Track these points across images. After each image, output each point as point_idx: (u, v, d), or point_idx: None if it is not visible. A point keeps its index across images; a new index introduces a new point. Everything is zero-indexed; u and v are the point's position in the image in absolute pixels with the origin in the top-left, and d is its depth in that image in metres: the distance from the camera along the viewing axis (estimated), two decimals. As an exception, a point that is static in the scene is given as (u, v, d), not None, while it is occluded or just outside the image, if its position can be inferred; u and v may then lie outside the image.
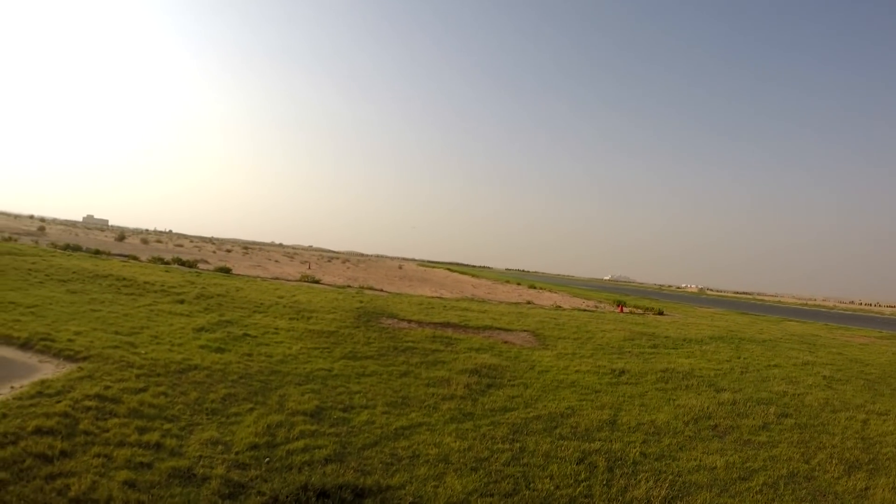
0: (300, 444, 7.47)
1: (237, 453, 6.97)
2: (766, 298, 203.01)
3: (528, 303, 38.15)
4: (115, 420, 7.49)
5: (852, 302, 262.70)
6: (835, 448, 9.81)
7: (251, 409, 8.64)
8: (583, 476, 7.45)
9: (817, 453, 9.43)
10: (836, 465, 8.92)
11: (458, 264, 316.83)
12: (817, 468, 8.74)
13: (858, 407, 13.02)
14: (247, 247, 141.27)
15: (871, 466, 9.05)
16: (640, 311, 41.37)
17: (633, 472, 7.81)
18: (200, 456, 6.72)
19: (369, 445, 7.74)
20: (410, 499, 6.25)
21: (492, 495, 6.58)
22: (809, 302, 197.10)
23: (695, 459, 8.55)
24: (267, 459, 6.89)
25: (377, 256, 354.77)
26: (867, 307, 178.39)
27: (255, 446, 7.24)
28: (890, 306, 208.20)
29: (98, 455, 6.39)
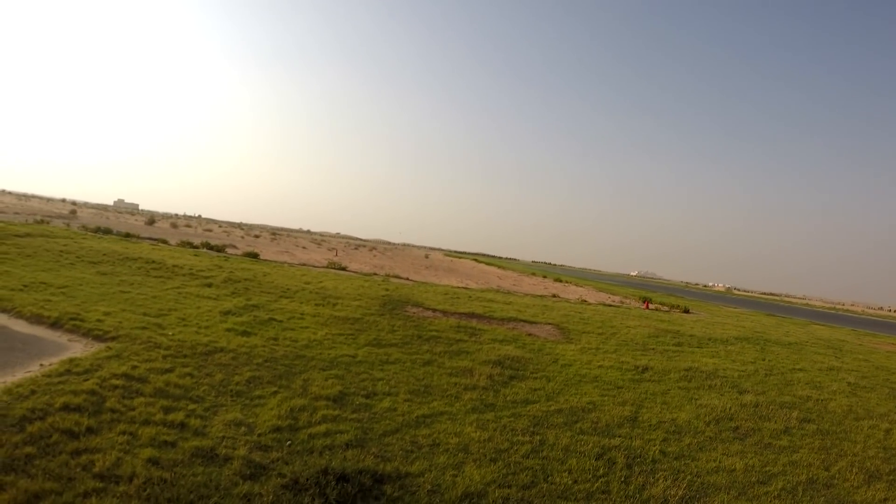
0: (322, 428, 7.56)
1: (260, 435, 7.08)
2: (793, 300, 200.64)
3: (554, 296, 38.01)
4: (141, 399, 7.64)
5: (881, 308, 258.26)
6: (856, 456, 9.67)
7: (275, 393, 8.75)
8: (601, 472, 7.45)
9: (838, 461, 9.31)
10: (857, 473, 8.80)
11: (484, 255, 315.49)
12: (837, 476, 8.63)
13: (882, 416, 12.79)
14: (275, 233, 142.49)
15: (891, 477, 8.90)
16: (665, 308, 41.03)
17: (651, 469, 7.79)
18: (223, 436, 6.84)
19: (390, 432, 7.81)
20: (429, 486, 6.30)
21: (509, 486, 6.61)
22: (837, 306, 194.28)
23: (714, 460, 8.49)
24: (289, 442, 6.99)
25: (404, 245, 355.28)
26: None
27: (277, 429, 7.35)
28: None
29: (123, 432, 6.54)
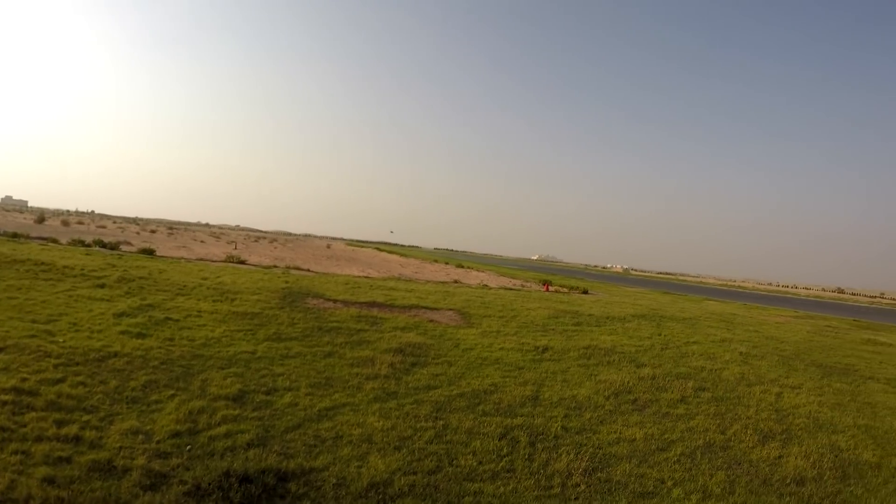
0: (222, 429, 7.44)
1: (158, 442, 6.89)
2: (688, 279, 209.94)
3: (455, 282, 38.33)
4: (33, 414, 7.26)
5: (770, 284, 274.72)
6: (750, 419, 10.41)
7: (172, 396, 8.51)
8: (505, 451, 7.68)
9: (733, 424, 9.98)
10: (751, 435, 9.49)
11: (386, 244, 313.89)
12: (733, 438, 9.27)
13: (773, 381, 13.74)
14: (172, 227, 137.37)
15: (784, 436, 9.66)
16: (565, 290, 42.11)
17: (554, 445, 8.10)
18: (121, 447, 6.61)
19: (292, 428, 7.77)
20: (334, 480, 6.32)
21: (415, 473, 6.72)
22: (729, 283, 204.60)
23: (615, 432, 8.92)
24: (188, 447, 6.84)
25: (305, 236, 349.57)
26: (784, 289, 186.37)
27: (176, 434, 7.17)
28: (806, 288, 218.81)
29: (15, 452, 6.20)
